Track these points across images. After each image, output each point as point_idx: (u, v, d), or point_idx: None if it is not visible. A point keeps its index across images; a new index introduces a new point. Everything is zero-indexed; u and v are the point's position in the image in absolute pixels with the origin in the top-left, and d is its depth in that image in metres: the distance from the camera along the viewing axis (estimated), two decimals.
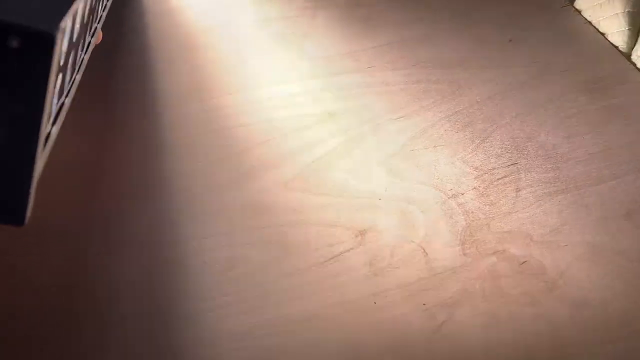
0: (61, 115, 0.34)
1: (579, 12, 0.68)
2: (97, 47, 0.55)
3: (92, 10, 0.42)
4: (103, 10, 0.50)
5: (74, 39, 0.34)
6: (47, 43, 0.25)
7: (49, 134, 0.31)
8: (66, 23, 0.28)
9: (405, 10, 0.71)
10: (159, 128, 0.60)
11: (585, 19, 0.67)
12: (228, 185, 0.55)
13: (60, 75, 0.32)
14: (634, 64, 0.61)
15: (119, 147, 0.59)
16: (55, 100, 0.32)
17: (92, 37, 0.44)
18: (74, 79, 0.37)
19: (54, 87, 0.30)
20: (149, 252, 0.51)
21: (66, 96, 0.35)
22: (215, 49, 0.69)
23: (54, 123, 0.32)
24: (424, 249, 0.49)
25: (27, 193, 0.27)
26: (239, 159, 0.57)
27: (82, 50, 0.40)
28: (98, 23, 0.47)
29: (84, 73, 0.45)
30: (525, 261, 0.47)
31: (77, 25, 0.34)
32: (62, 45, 0.28)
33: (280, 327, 0.46)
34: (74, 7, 0.30)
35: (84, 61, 0.41)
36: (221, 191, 0.55)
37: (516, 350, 0.43)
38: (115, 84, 0.65)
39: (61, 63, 0.30)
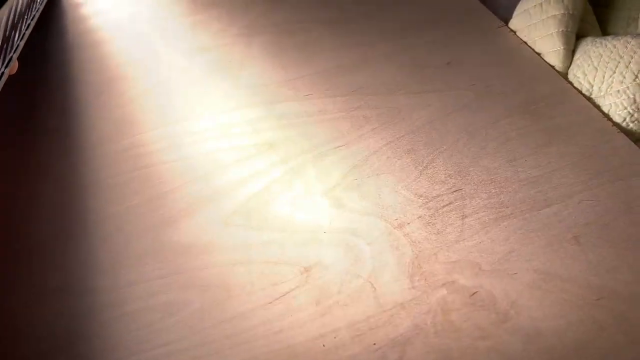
0: None
1: (514, 32, 0.68)
2: (18, 82, 0.52)
3: (7, 39, 0.39)
4: (20, 40, 0.47)
5: None
6: None
7: None
8: None
9: (340, 35, 0.70)
10: (84, 167, 0.57)
11: (521, 40, 0.67)
12: (163, 224, 0.53)
13: None
14: (571, 83, 0.61)
15: (41, 189, 0.56)
16: None
17: (5, 67, 0.42)
18: None
19: None
20: (76, 301, 0.48)
21: None
22: (146, 80, 0.67)
23: None
24: (372, 284, 0.47)
25: None
26: (174, 195, 0.55)
27: None
28: (14, 52, 0.44)
29: (2, 108, 0.42)
30: (476, 292, 0.46)
31: None
32: None
33: None
34: None
35: None
36: (156, 231, 0.52)
37: None
38: (37, 121, 0.62)
39: None
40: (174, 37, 0.73)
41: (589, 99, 0.59)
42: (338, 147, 0.58)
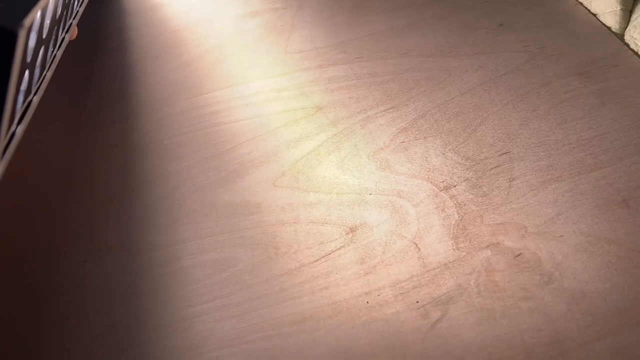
0: (28, 114, 0.32)
1: None
2: (77, 47, 0.54)
3: (67, 6, 0.40)
4: (79, 6, 0.48)
5: (44, 35, 0.33)
6: (9, 40, 0.24)
7: (13, 133, 0.30)
8: (33, 19, 0.27)
9: None
10: (141, 129, 0.59)
11: (576, 0, 0.65)
12: (214, 185, 0.54)
13: (27, 73, 0.30)
14: (627, 45, 0.59)
15: (101, 150, 0.58)
16: (20, 99, 0.31)
17: (66, 33, 0.43)
18: (44, 76, 0.36)
19: (18, 85, 0.29)
20: (133, 257, 0.50)
21: (34, 94, 0.34)
22: (199, 44, 0.68)
23: (19, 122, 0.31)
24: (416, 245, 0.48)
25: None
26: (225, 157, 0.56)
27: (53, 47, 0.38)
28: (73, 19, 0.46)
29: (64, 74, 0.44)
30: (520, 254, 0.46)
31: (48, 21, 0.33)
32: (27, 42, 0.27)
33: (271, 331, 0.45)
34: (42, 2, 0.28)
35: (56, 58, 0.39)
36: (207, 192, 0.54)
37: (513, 346, 0.42)
38: (96, 85, 0.64)
39: (28, 60, 0.29)
40: (226, 1, 0.74)
41: None
42: (387, 109, 0.58)
